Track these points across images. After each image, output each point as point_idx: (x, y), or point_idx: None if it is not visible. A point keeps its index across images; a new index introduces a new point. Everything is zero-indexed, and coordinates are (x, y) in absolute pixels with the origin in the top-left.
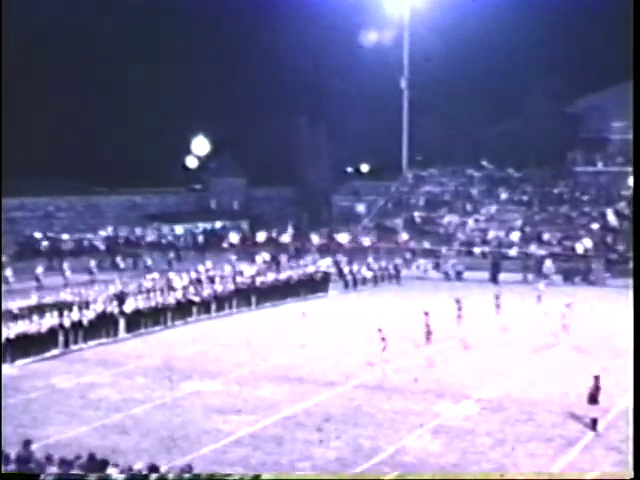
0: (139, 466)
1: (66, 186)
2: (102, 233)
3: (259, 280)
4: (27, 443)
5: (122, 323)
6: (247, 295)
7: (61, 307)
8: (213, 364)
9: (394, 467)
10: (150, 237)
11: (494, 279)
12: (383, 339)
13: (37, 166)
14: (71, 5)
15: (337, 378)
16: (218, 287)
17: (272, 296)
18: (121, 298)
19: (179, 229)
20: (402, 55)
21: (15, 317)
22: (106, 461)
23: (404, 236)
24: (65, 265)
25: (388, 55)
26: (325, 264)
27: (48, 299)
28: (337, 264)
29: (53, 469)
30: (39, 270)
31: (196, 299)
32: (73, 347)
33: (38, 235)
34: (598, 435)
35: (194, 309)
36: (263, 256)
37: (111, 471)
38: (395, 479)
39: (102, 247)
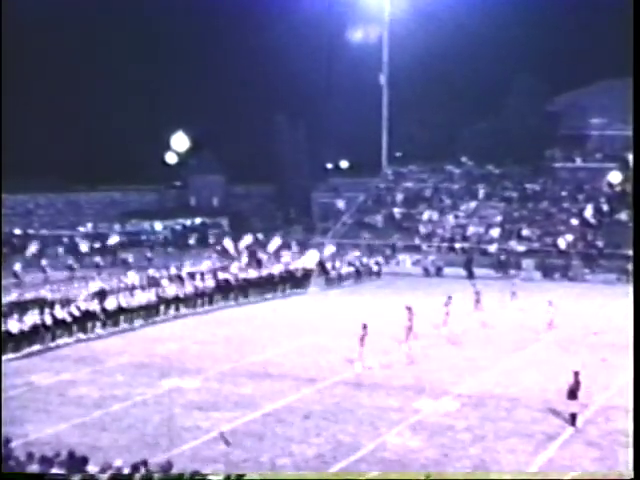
0: (119, 463)
1: (46, 183)
2: (81, 229)
3: (241, 276)
4: (7, 441)
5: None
6: (229, 291)
7: (42, 304)
8: (193, 361)
9: (374, 464)
10: (129, 234)
11: (470, 275)
12: (363, 336)
13: (16, 164)
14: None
15: (317, 374)
16: (199, 283)
17: (253, 292)
18: (103, 295)
19: (158, 226)
20: (381, 52)
21: None
22: (86, 458)
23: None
24: (44, 261)
25: (367, 52)
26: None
27: (28, 295)
28: (320, 260)
29: (34, 467)
30: (18, 266)
31: (179, 295)
32: (52, 344)
33: (18, 232)
34: (578, 431)
35: (174, 306)
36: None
37: (92, 469)
38: (377, 478)
39: (82, 244)
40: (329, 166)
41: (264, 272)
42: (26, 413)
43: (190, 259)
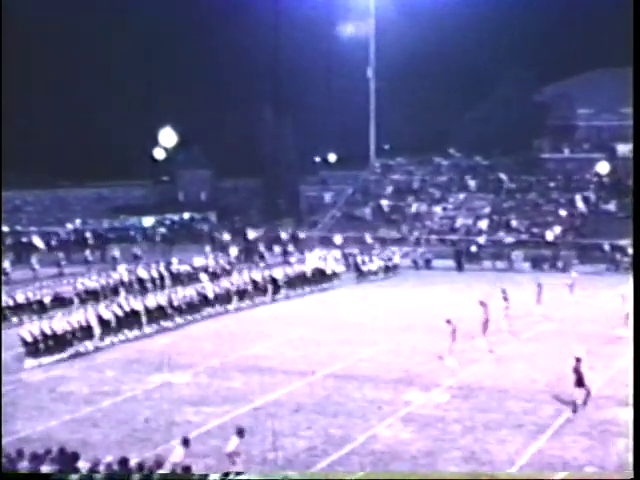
0: (109, 459)
1: (33, 180)
2: (69, 226)
3: (274, 274)
4: None
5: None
6: (258, 290)
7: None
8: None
9: (365, 456)
10: (117, 229)
11: (460, 267)
12: (452, 331)
13: (3, 160)
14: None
15: (307, 368)
16: (235, 279)
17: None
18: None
19: (147, 221)
20: (368, 45)
21: None
22: (77, 454)
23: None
24: (33, 259)
25: (354, 45)
26: (331, 257)
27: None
28: (352, 256)
29: (24, 464)
30: (6, 264)
31: (216, 293)
32: (101, 345)
33: (5, 229)
34: (568, 420)
35: (213, 304)
36: (231, 251)
37: (82, 465)
38: (369, 478)
39: (70, 240)
40: (317, 159)
41: (296, 269)
42: (16, 410)
43: (179, 254)
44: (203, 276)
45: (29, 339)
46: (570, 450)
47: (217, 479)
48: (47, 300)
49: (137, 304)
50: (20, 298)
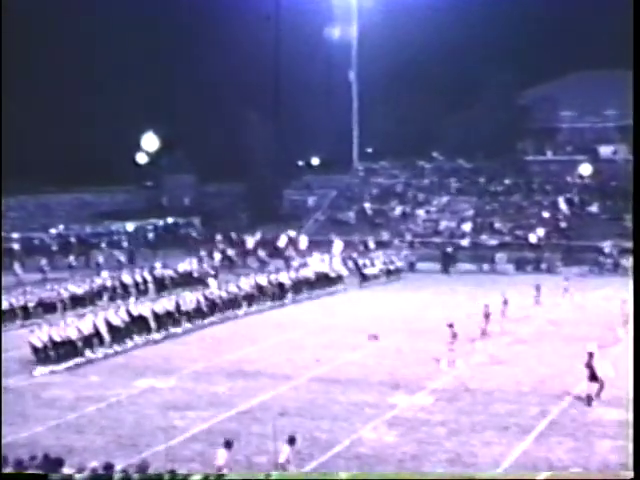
0: (94, 465)
1: (16, 186)
2: (53, 231)
3: (280, 278)
4: None
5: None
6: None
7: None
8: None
9: (350, 459)
10: (101, 235)
11: (445, 269)
12: (454, 335)
13: None
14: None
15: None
16: (244, 285)
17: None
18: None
19: (131, 226)
20: (350, 48)
21: None
22: (61, 460)
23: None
24: (16, 265)
25: (336, 49)
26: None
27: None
28: (354, 260)
29: (9, 470)
30: None
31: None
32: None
33: None
34: (553, 422)
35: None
36: (215, 255)
37: (67, 471)
38: (356, 478)
39: (53, 246)
40: (300, 163)
41: (301, 273)
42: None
43: (163, 259)
44: (212, 281)
45: (39, 345)
46: (555, 451)
47: (199, 479)
48: (31, 306)
49: (145, 309)
50: (3, 304)
